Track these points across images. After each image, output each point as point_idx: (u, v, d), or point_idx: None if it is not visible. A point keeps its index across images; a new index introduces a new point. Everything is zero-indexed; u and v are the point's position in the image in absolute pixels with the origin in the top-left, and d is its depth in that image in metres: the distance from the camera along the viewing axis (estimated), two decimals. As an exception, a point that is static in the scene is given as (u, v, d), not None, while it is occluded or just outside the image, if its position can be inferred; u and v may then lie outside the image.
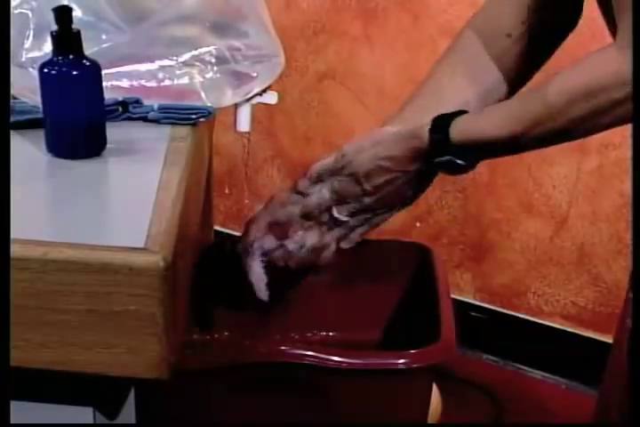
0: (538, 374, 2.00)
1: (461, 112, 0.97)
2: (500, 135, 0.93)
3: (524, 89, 1.07)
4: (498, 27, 1.05)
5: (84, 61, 0.93)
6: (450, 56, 1.09)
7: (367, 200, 1.04)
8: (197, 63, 1.13)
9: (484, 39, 1.06)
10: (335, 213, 1.06)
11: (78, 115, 0.94)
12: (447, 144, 0.96)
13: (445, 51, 1.10)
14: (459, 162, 0.97)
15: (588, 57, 0.88)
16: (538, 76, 1.06)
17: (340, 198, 1.05)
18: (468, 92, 1.06)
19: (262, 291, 1.12)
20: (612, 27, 0.90)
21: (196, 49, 1.14)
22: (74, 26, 0.92)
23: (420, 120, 1.00)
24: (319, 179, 1.06)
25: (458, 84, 1.07)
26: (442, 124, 0.97)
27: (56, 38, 0.92)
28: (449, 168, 0.98)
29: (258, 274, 1.12)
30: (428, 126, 0.97)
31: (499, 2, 1.06)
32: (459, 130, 0.96)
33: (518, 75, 1.07)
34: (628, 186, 1.77)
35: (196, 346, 1.07)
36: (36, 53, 1.08)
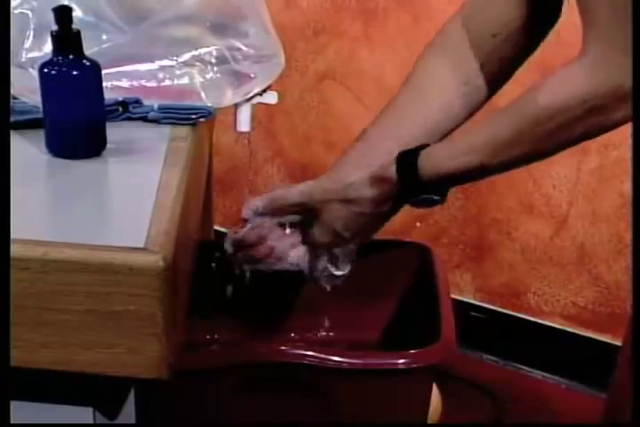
0: (538, 374, 2.00)
1: (422, 146, 0.96)
2: (471, 164, 0.92)
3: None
4: (483, 27, 1.04)
5: (84, 61, 0.93)
6: (434, 53, 1.07)
7: (351, 246, 1.05)
8: (197, 63, 1.13)
9: (468, 39, 1.05)
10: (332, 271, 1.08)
11: (78, 115, 0.94)
12: (419, 183, 0.95)
13: (429, 46, 1.08)
14: (435, 198, 0.97)
15: (553, 78, 0.88)
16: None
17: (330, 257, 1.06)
18: (452, 92, 1.05)
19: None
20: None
21: (196, 49, 1.14)
22: (74, 26, 0.92)
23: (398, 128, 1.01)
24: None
25: (442, 84, 1.05)
26: (407, 162, 0.95)
27: (56, 38, 0.92)
28: (424, 204, 0.98)
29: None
30: (394, 166, 0.96)
31: (483, 3, 1.05)
32: (428, 167, 0.94)
33: (500, 75, 1.06)
34: (628, 186, 1.77)
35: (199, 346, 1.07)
36: (35, 53, 1.08)
